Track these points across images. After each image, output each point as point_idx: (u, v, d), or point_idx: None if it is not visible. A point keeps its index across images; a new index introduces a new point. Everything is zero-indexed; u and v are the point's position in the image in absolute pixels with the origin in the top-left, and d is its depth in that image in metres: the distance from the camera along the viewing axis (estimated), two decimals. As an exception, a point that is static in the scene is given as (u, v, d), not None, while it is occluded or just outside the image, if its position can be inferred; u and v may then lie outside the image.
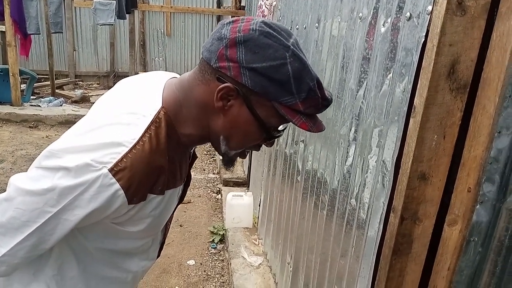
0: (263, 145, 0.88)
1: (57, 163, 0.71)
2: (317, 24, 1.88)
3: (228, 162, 0.88)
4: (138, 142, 0.73)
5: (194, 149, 1.00)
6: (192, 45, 10.63)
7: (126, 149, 0.72)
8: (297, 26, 2.23)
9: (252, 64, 0.72)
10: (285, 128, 0.83)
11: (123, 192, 0.73)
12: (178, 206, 1.03)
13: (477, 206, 0.99)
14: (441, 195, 1.06)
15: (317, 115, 0.81)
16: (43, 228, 0.73)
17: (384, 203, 1.18)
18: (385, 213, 1.18)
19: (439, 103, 0.97)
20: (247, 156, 4.03)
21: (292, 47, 0.73)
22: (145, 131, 0.75)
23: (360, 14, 1.39)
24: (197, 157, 1.03)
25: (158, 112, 0.78)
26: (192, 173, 1.04)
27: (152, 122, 0.76)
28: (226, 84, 0.75)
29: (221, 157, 0.89)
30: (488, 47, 0.94)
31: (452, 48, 0.94)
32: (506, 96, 0.90)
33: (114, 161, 0.71)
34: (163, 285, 2.66)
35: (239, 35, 0.73)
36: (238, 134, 0.80)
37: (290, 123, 0.79)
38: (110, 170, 0.71)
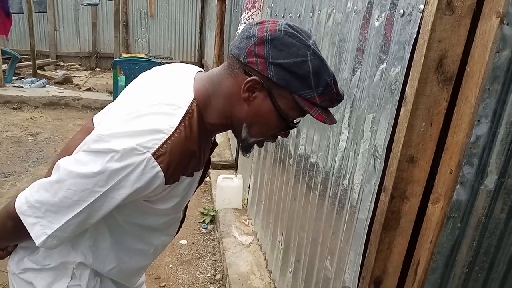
0: (277, 136, 0.97)
1: (106, 146, 0.79)
2: (311, 13, 1.96)
3: (246, 148, 0.98)
4: (176, 130, 0.82)
5: (215, 136, 1.09)
6: (176, 26, 10.49)
7: (166, 136, 0.81)
8: (290, 15, 2.30)
9: (277, 60, 0.81)
10: (299, 121, 0.93)
11: (163, 174, 0.82)
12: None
13: (457, 186, 1.11)
14: (426, 176, 1.18)
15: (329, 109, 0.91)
16: (92, 205, 0.82)
17: (375, 184, 1.29)
18: (376, 193, 1.29)
19: (428, 93, 1.08)
20: (236, 140, 4.12)
21: (312, 46, 0.83)
22: (181, 121, 0.84)
23: (355, 8, 1.48)
24: (217, 144, 1.12)
25: (191, 104, 0.86)
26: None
27: (186, 113, 0.85)
28: (253, 77, 0.84)
29: (240, 143, 0.98)
30: (472, 44, 1.04)
31: (440, 44, 1.04)
32: (486, 88, 1.01)
33: (156, 146, 0.80)
34: (157, 263, 2.76)
35: (266, 35, 0.82)
36: (260, 123, 0.90)
37: (303, 117, 0.88)
38: (153, 154, 0.80)
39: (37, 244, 0.85)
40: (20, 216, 0.84)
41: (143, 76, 1.02)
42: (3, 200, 3.32)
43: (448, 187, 1.13)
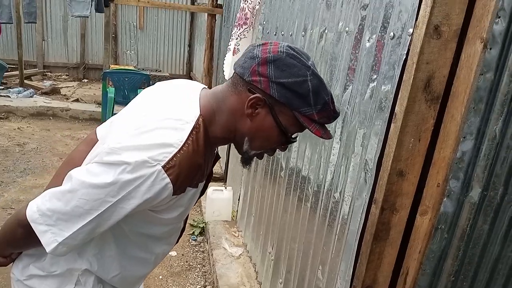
0: (276, 150, 1.03)
1: (118, 159, 0.84)
2: (303, 32, 2.04)
3: (247, 161, 1.03)
4: (184, 144, 0.87)
5: (217, 150, 1.14)
6: (165, 39, 10.55)
7: (175, 150, 0.86)
8: (283, 33, 2.38)
9: (279, 79, 0.88)
10: (297, 136, 0.99)
11: (171, 185, 0.87)
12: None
13: (444, 199, 1.17)
14: (415, 189, 1.24)
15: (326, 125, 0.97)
16: (102, 215, 0.86)
17: (366, 196, 1.35)
18: (366, 205, 1.35)
19: (416, 111, 1.15)
20: (225, 153, 4.16)
21: (311, 67, 0.89)
22: (189, 135, 0.89)
23: (347, 28, 1.55)
24: (220, 157, 1.17)
25: (198, 119, 0.92)
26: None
27: (193, 128, 0.90)
28: (256, 95, 0.90)
29: (240, 156, 1.03)
30: (457, 66, 1.12)
31: (428, 65, 1.11)
32: (471, 107, 1.08)
33: (167, 159, 0.85)
34: (146, 275, 2.76)
35: (269, 55, 0.88)
36: (261, 137, 0.96)
37: (301, 133, 0.94)
38: (163, 167, 0.84)
39: (47, 251, 0.88)
40: (31, 224, 0.87)
41: (147, 91, 1.06)
42: (-10, 211, 3.29)
43: (435, 200, 1.19)
